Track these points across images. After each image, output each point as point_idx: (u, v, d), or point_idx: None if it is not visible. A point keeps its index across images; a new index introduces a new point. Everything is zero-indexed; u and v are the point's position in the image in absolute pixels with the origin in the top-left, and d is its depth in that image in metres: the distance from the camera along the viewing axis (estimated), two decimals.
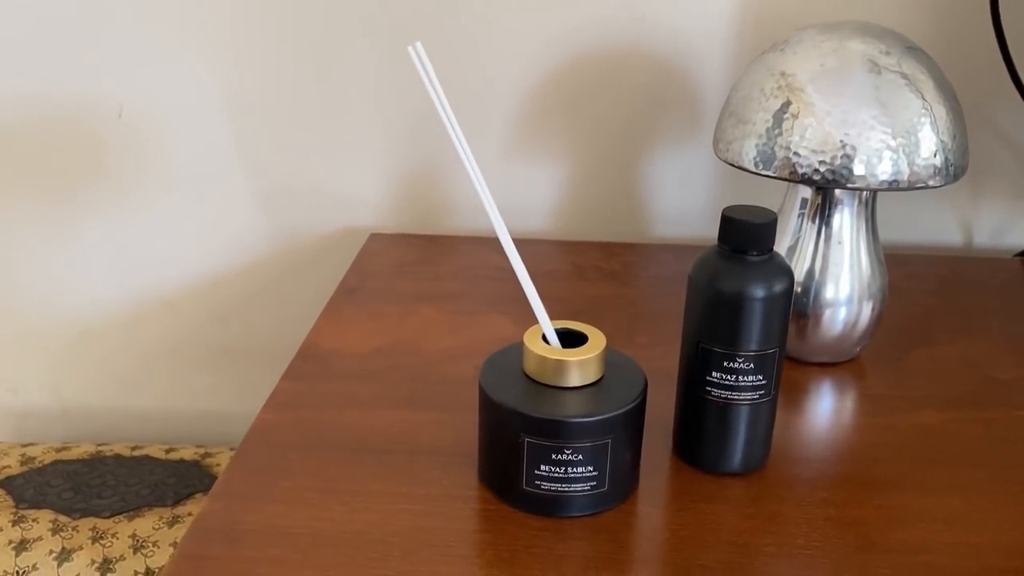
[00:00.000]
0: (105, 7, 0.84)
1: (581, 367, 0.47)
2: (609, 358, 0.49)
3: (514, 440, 0.46)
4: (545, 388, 0.47)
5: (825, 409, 0.60)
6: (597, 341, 0.49)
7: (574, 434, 0.46)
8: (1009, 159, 0.85)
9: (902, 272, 0.81)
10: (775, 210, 0.63)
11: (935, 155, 0.55)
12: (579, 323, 0.50)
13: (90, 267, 0.94)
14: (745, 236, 0.47)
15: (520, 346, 0.49)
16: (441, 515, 0.47)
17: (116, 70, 0.86)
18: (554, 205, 0.90)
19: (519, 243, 0.86)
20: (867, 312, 0.62)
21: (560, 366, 0.47)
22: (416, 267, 0.80)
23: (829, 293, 0.61)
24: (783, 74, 0.57)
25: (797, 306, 0.62)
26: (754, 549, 0.45)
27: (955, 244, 0.89)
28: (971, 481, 0.51)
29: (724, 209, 0.48)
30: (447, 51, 0.84)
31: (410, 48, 0.47)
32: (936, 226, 0.89)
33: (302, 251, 0.92)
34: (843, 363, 0.64)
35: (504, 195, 0.89)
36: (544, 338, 0.49)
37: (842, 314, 0.61)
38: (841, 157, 0.55)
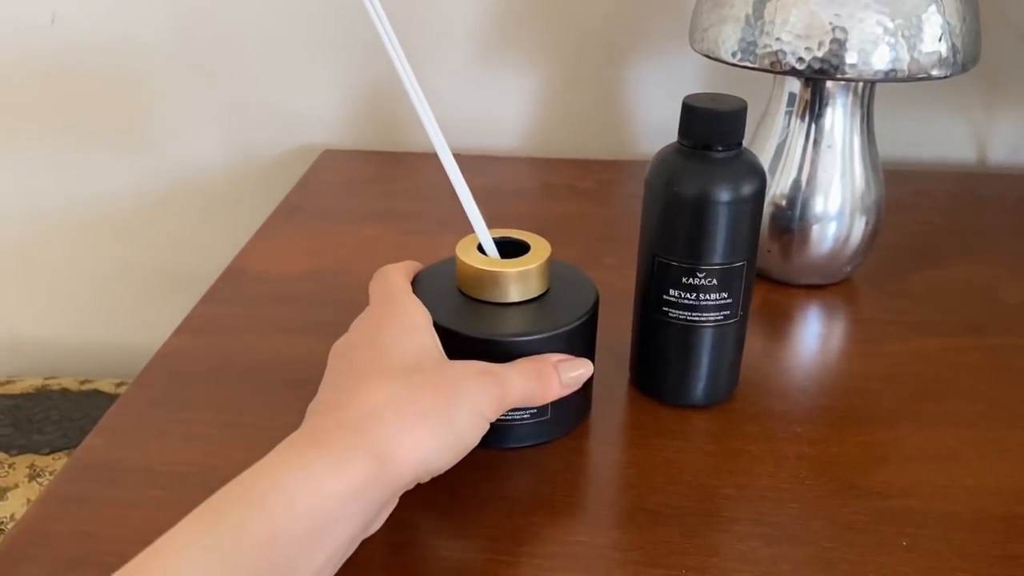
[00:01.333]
0: None
1: (521, 280, 0.41)
2: (555, 271, 0.43)
3: None
4: (481, 304, 0.41)
5: (809, 335, 0.53)
6: (540, 251, 0.42)
7: (512, 355, 0.39)
8: None
9: (908, 188, 0.73)
10: (761, 114, 0.56)
11: (940, 40, 0.47)
12: (521, 231, 0.43)
13: (34, 191, 0.87)
14: (709, 127, 0.40)
15: (453, 259, 0.43)
16: None
17: None
18: (526, 119, 0.82)
19: (487, 160, 0.80)
20: (860, 227, 0.54)
21: (497, 279, 0.41)
22: (368, 185, 0.73)
23: (818, 205, 0.54)
24: None
25: (781, 220, 0.55)
26: (710, 491, 0.39)
27: (969, 160, 0.81)
28: (970, 416, 0.45)
29: (685, 97, 0.41)
30: None
31: None
32: (948, 140, 0.81)
33: (256, 171, 0.85)
34: (833, 285, 0.57)
35: (472, 110, 0.81)
36: (481, 249, 0.42)
37: (832, 229, 0.54)
38: (831, 43, 0.47)
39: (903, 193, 0.72)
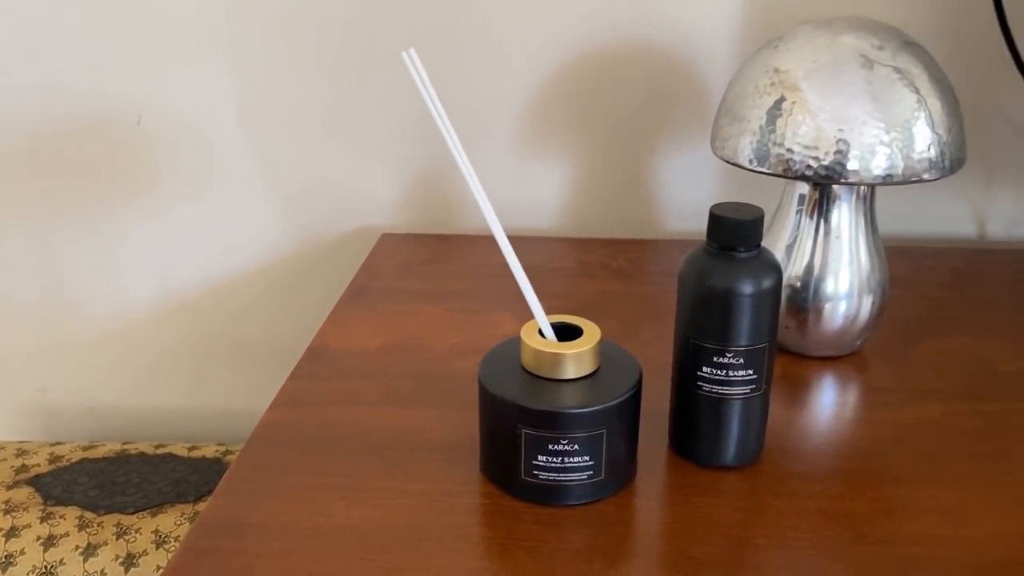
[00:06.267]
0: (122, 16, 0.86)
1: (576, 360, 0.48)
2: (605, 350, 0.50)
3: (513, 432, 0.47)
4: (542, 380, 0.49)
5: (824, 403, 0.60)
6: (592, 334, 0.49)
7: (570, 424, 0.47)
8: (1023, 149, 0.85)
9: (914, 265, 0.80)
10: (775, 205, 0.64)
11: (930, 148, 0.55)
12: (574, 316, 0.51)
13: (114, 270, 0.97)
14: (732, 233, 0.48)
15: (518, 340, 0.50)
16: (438, 510, 0.49)
17: (134, 78, 0.88)
18: (562, 202, 0.90)
19: (526, 240, 0.88)
20: (867, 306, 0.62)
21: (556, 359, 0.48)
22: (425, 266, 0.81)
23: (829, 287, 0.61)
24: (776, 70, 0.58)
25: (797, 300, 0.62)
26: (744, 541, 0.46)
27: (970, 236, 0.89)
28: (969, 474, 0.51)
29: (712, 207, 0.49)
30: (455, 52, 0.85)
31: (404, 55, 0.48)
32: (951, 218, 0.88)
33: (317, 251, 0.94)
34: (845, 357, 0.64)
35: (512, 193, 0.90)
36: (541, 332, 0.50)
37: (842, 308, 0.61)
38: (835, 153, 0.55)
39: (909, 269, 0.79)
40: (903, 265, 0.79)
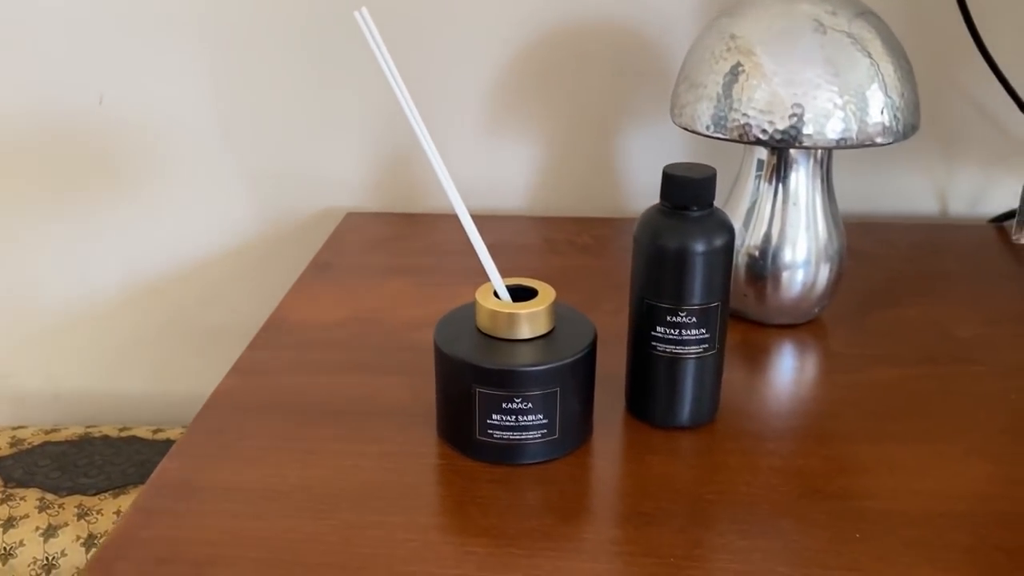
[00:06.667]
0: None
1: (531, 319, 0.48)
2: (560, 312, 0.50)
3: (467, 391, 0.47)
4: (497, 341, 0.49)
5: (781, 367, 0.61)
6: (546, 295, 0.50)
7: (523, 383, 0.47)
8: (983, 127, 0.86)
9: (874, 239, 0.81)
10: (735, 174, 0.64)
11: (883, 112, 0.56)
12: (529, 279, 0.51)
13: (78, 253, 0.95)
14: (685, 192, 0.48)
15: (473, 304, 0.50)
16: (393, 470, 0.48)
17: (96, 57, 0.87)
18: (530, 182, 0.90)
19: (493, 219, 0.88)
20: (825, 274, 0.62)
21: (510, 319, 0.48)
22: (389, 243, 0.81)
23: (787, 255, 0.62)
24: (733, 36, 0.58)
25: (755, 268, 0.62)
26: (696, 497, 0.46)
27: (933, 213, 0.90)
28: (920, 432, 0.52)
29: (665, 167, 0.49)
30: (423, 31, 0.85)
31: (356, 13, 0.48)
32: (914, 195, 0.89)
33: (283, 232, 0.93)
34: (803, 324, 0.65)
35: (481, 173, 0.90)
36: (496, 295, 0.50)
37: (800, 276, 0.62)
38: (790, 117, 0.56)
39: (872, 243, 0.80)
40: (864, 240, 0.79)
